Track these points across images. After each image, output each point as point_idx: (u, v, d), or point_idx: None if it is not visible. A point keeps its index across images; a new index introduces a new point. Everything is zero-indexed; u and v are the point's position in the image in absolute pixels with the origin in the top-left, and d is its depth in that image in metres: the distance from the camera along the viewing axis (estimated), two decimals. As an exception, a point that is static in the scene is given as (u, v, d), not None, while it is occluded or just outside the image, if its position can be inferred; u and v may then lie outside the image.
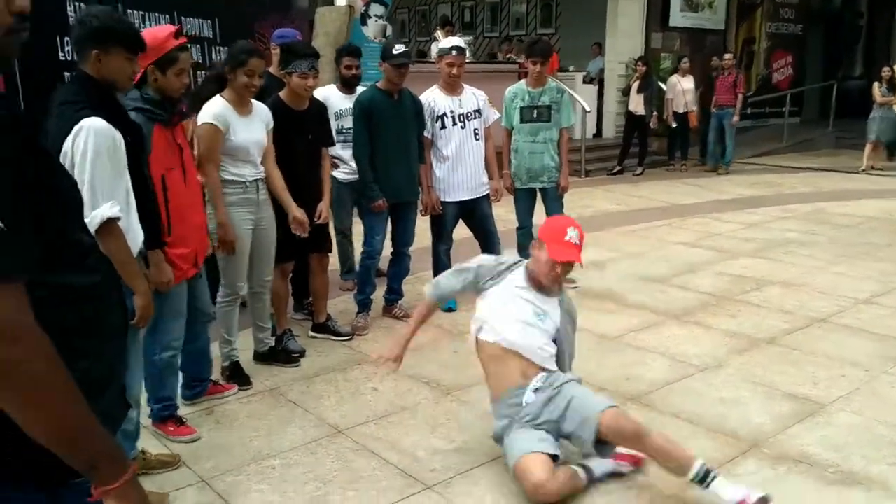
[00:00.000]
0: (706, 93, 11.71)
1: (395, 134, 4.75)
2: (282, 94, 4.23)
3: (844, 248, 6.88)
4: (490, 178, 5.26)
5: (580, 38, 14.52)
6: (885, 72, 11.77)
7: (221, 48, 6.03)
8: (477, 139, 5.10)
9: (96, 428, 1.25)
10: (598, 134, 13.21)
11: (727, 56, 11.96)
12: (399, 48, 4.69)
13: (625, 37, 13.11)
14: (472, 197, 5.13)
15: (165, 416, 3.48)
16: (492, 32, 17.61)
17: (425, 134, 4.99)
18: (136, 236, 2.73)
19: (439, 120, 4.99)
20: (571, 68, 13.37)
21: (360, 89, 5.27)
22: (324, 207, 4.38)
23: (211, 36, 5.91)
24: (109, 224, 2.52)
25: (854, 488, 2.98)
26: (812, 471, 3.11)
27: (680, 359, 4.31)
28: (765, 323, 4.87)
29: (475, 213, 5.21)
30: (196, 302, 3.52)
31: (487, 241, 5.32)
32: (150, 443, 3.31)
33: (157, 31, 3.11)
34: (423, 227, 5.23)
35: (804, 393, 3.85)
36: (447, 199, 5.08)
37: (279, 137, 4.04)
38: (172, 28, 3.15)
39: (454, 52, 4.95)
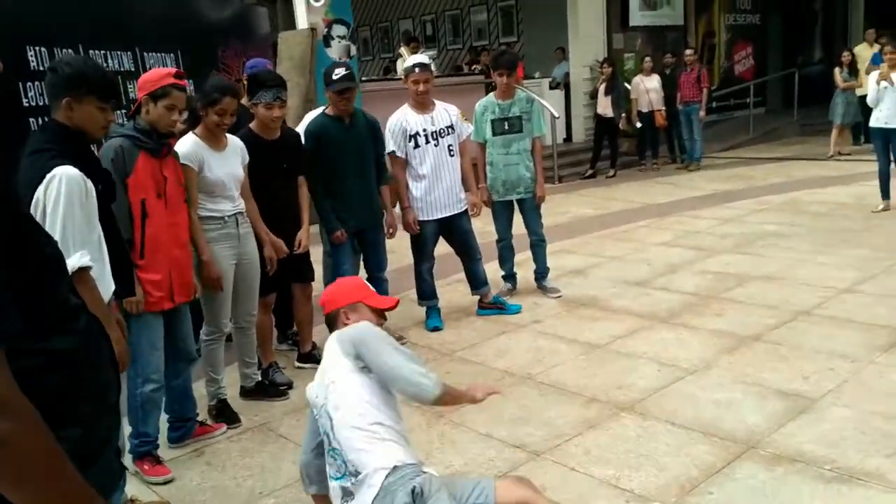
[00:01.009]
0: (666, 90, 11.75)
1: (351, 159, 4.61)
2: (252, 125, 4.19)
3: (822, 236, 6.94)
4: (467, 192, 5.24)
5: (543, 44, 14.59)
6: (845, 56, 11.94)
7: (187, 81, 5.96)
8: (451, 155, 5.08)
9: (90, 497, 1.21)
10: (568, 139, 13.26)
11: (688, 52, 12.04)
12: (339, 72, 4.45)
13: (587, 39, 13.19)
14: (451, 214, 5.11)
15: (142, 453, 3.43)
16: (454, 45, 17.64)
17: (398, 154, 4.96)
18: (108, 285, 2.73)
19: (412, 139, 4.96)
20: (537, 75, 13.42)
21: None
22: (303, 236, 4.34)
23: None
24: (81, 273, 2.51)
25: (853, 484, 2.98)
26: (809, 469, 3.11)
27: (670, 363, 4.31)
28: (750, 320, 4.89)
29: (454, 229, 5.20)
30: (177, 340, 3.52)
31: (468, 256, 5.32)
32: (140, 488, 3.25)
33: (157, 70, 3.35)
34: (400, 246, 5.19)
35: (795, 389, 3.85)
36: (425, 218, 5.06)
37: (254, 169, 4.00)
38: (174, 70, 3.31)
39: (417, 70, 4.92)
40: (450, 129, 5.07)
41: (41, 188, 2.56)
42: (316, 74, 8.08)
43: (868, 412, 3.54)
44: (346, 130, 4.59)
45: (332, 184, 4.60)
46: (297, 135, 4.54)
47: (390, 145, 4.96)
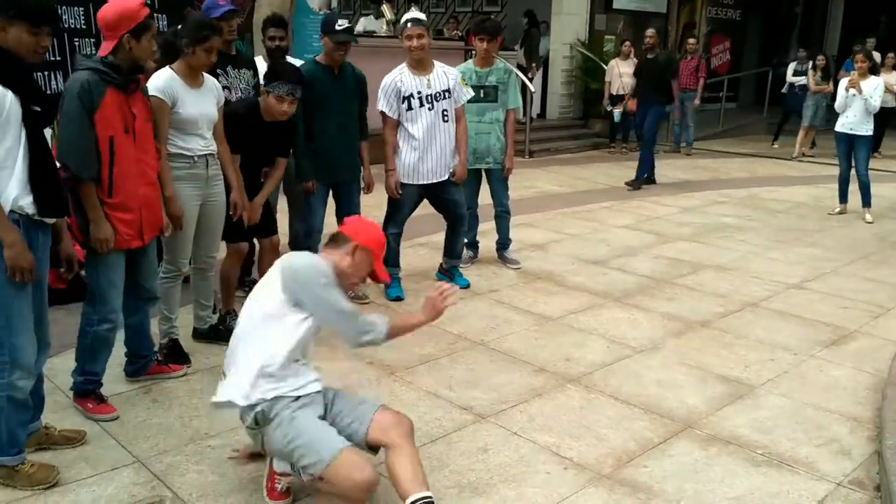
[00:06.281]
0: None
1: (336, 110, 4.61)
2: (261, 101, 4.07)
3: (777, 233, 7.11)
4: (458, 158, 5.06)
5: (525, 17, 14.49)
6: (820, 60, 12.12)
7: (158, 15, 5.82)
8: (445, 121, 4.91)
9: None
10: (542, 115, 13.27)
11: (691, 41, 12.48)
12: (342, 23, 4.49)
13: (569, 17, 13.18)
14: (437, 180, 4.99)
15: (87, 391, 3.41)
16: (437, 8, 17.45)
17: (388, 114, 4.83)
18: (9, 196, 2.67)
19: (405, 101, 4.81)
20: (516, 48, 13.36)
21: (291, 61, 5.13)
22: (251, 206, 4.17)
23: (148, 2, 5.67)
24: None
25: (782, 469, 3.10)
26: (741, 452, 3.22)
27: (619, 340, 4.40)
28: (700, 306, 5.01)
29: (441, 196, 5.09)
30: (140, 279, 3.49)
31: (453, 226, 5.25)
32: (72, 420, 3.24)
33: (127, 3, 3.16)
34: (367, 205, 5.14)
35: (736, 375, 3.98)
36: (409, 182, 4.93)
37: (247, 135, 4.01)
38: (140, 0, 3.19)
39: (409, 25, 4.77)
40: (447, 94, 4.88)
41: None
42: (294, 23, 7.97)
43: (803, 403, 3.68)
44: (335, 81, 4.59)
45: (314, 132, 4.57)
46: (294, 122, 4.30)
47: (381, 104, 4.85)
